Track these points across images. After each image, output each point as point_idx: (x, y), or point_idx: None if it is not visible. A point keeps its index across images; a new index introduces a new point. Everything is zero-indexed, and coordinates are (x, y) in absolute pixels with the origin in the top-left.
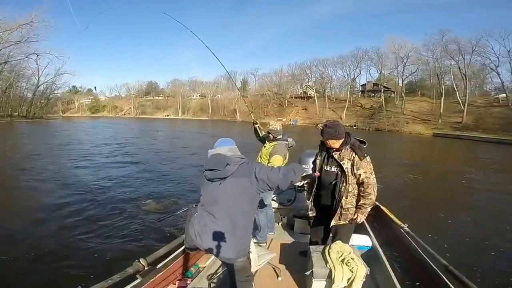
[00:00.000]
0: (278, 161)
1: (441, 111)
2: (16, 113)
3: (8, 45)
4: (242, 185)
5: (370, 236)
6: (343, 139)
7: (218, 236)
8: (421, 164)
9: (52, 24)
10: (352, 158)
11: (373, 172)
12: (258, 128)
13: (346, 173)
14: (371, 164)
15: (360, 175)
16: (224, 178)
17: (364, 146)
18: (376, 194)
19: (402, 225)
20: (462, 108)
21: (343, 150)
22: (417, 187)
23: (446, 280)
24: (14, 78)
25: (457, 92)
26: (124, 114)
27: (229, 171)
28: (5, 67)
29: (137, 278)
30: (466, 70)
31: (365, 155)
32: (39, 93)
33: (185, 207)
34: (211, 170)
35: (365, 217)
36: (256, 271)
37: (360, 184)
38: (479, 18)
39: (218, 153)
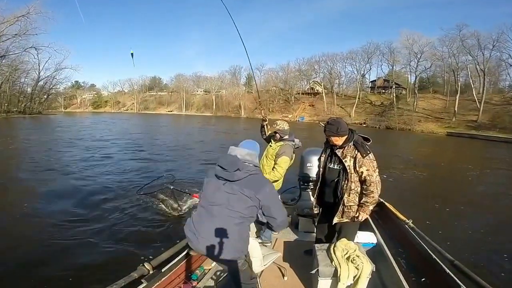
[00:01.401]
0: (285, 162)
1: (456, 109)
2: (15, 109)
3: (5, 39)
4: (244, 195)
5: (375, 233)
6: (346, 136)
7: (215, 236)
8: (432, 164)
9: (50, 16)
10: (354, 155)
11: (377, 170)
12: (265, 126)
13: (348, 170)
14: (375, 162)
15: (362, 172)
16: (230, 181)
17: (368, 143)
18: (379, 192)
19: (407, 221)
20: (478, 106)
21: (346, 148)
22: (425, 186)
23: (452, 275)
24: (11, 73)
25: (473, 89)
26: (127, 110)
27: (237, 176)
28: (3, 61)
29: (142, 283)
30: (484, 66)
31: (368, 152)
32: (39, 88)
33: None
34: (221, 167)
35: (367, 215)
36: (262, 271)
37: (362, 181)
38: (497, 13)
39: (233, 155)
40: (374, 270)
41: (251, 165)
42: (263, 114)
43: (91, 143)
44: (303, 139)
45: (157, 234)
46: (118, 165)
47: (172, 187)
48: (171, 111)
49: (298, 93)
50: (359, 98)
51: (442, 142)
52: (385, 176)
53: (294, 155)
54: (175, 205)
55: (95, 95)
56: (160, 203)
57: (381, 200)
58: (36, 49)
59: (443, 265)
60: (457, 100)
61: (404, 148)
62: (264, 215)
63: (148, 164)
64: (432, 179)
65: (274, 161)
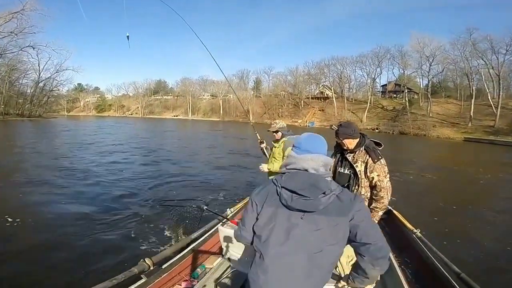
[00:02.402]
0: None
1: (472, 114)
2: (14, 111)
3: (1, 37)
4: (335, 227)
5: None
6: (358, 139)
7: None
8: (454, 170)
9: (47, 13)
10: (366, 160)
11: (388, 176)
12: (265, 149)
13: (359, 175)
14: (386, 167)
15: (373, 178)
16: (311, 211)
17: (380, 148)
18: (389, 198)
19: (415, 230)
20: (494, 110)
21: (357, 152)
22: (441, 192)
23: None
24: (8, 72)
25: (488, 94)
26: (131, 114)
27: (323, 203)
28: (0, 60)
29: (142, 278)
30: (499, 70)
31: (379, 157)
32: (39, 90)
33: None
34: (296, 193)
35: (376, 221)
36: None
37: (373, 187)
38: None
39: (308, 172)
40: (378, 278)
41: (329, 179)
42: (259, 137)
43: (99, 151)
44: None
45: (160, 233)
46: (135, 172)
47: (205, 207)
48: (177, 116)
49: (308, 98)
50: (370, 103)
51: (460, 148)
52: (405, 183)
53: None
54: (203, 225)
55: (99, 99)
56: (187, 219)
57: (389, 207)
58: (34, 48)
59: (449, 277)
60: (472, 105)
61: (421, 154)
62: (353, 242)
63: (164, 172)
64: (451, 185)
65: (283, 156)
